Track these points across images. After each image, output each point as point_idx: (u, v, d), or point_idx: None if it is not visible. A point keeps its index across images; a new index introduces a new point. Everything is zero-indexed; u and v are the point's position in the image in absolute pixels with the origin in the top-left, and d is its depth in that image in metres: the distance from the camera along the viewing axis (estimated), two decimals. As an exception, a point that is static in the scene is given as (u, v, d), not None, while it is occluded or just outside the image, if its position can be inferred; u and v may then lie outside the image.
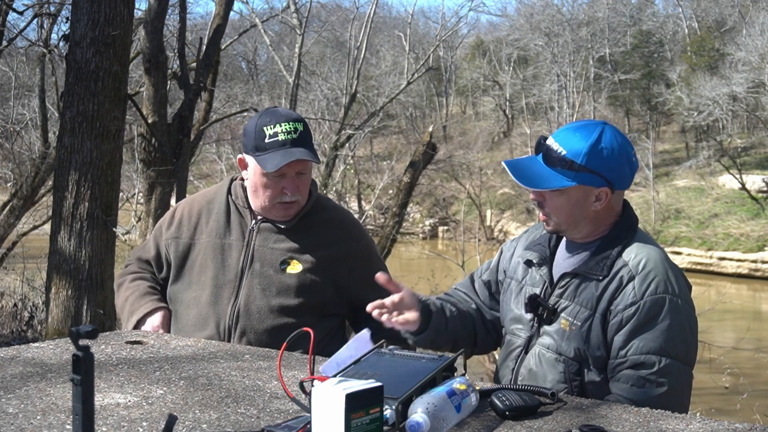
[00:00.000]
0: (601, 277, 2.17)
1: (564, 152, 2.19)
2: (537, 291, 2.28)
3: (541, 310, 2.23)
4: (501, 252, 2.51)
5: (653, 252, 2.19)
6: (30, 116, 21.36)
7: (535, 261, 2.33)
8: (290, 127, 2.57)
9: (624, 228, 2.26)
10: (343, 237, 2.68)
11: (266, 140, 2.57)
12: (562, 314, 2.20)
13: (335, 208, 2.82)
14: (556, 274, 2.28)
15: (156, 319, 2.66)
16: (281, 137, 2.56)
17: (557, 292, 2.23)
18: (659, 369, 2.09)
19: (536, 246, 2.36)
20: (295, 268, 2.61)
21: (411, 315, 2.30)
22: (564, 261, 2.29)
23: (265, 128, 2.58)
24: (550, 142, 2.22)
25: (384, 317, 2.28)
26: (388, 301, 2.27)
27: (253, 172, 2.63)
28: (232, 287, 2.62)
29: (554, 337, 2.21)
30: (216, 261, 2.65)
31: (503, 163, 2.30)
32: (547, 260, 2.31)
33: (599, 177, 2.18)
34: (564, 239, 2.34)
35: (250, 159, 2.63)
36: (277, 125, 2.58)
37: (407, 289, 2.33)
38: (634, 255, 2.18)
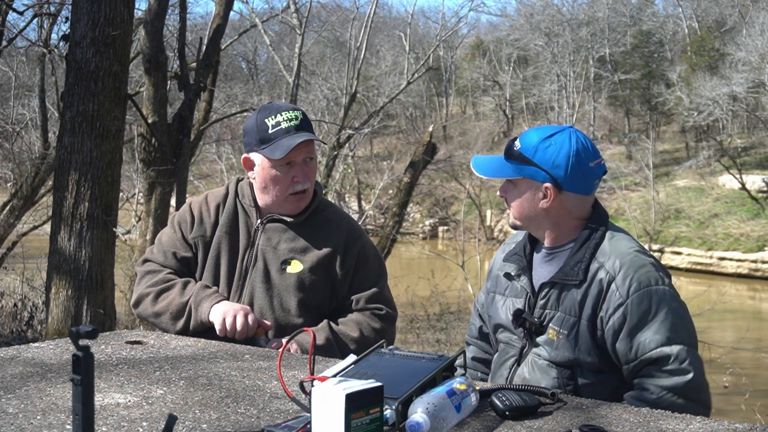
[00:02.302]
0: (578, 282, 2.17)
1: (519, 146, 2.25)
2: (521, 302, 2.29)
3: (528, 324, 2.24)
4: (488, 274, 2.53)
5: (626, 247, 2.19)
6: (30, 116, 21.36)
7: (513, 273, 2.34)
8: (291, 115, 2.60)
9: (593, 228, 2.24)
10: (341, 236, 2.69)
11: (270, 131, 2.59)
12: (550, 325, 2.21)
13: (336, 210, 2.85)
14: (536, 282, 2.29)
15: (251, 316, 2.52)
16: (284, 125, 2.59)
17: (540, 303, 2.24)
18: (675, 357, 2.09)
19: (513, 257, 2.37)
20: (296, 267, 2.63)
21: None
22: (541, 268, 2.30)
23: (266, 120, 2.60)
24: (516, 140, 2.29)
25: None
26: None
27: (260, 168, 2.63)
28: (237, 286, 2.65)
29: (545, 348, 2.22)
30: (224, 259, 2.68)
31: (471, 161, 2.35)
32: (525, 269, 2.32)
33: (543, 172, 2.21)
34: (538, 245, 2.35)
35: (255, 155, 2.64)
36: (278, 115, 2.60)
37: None
38: (608, 255, 2.18)
